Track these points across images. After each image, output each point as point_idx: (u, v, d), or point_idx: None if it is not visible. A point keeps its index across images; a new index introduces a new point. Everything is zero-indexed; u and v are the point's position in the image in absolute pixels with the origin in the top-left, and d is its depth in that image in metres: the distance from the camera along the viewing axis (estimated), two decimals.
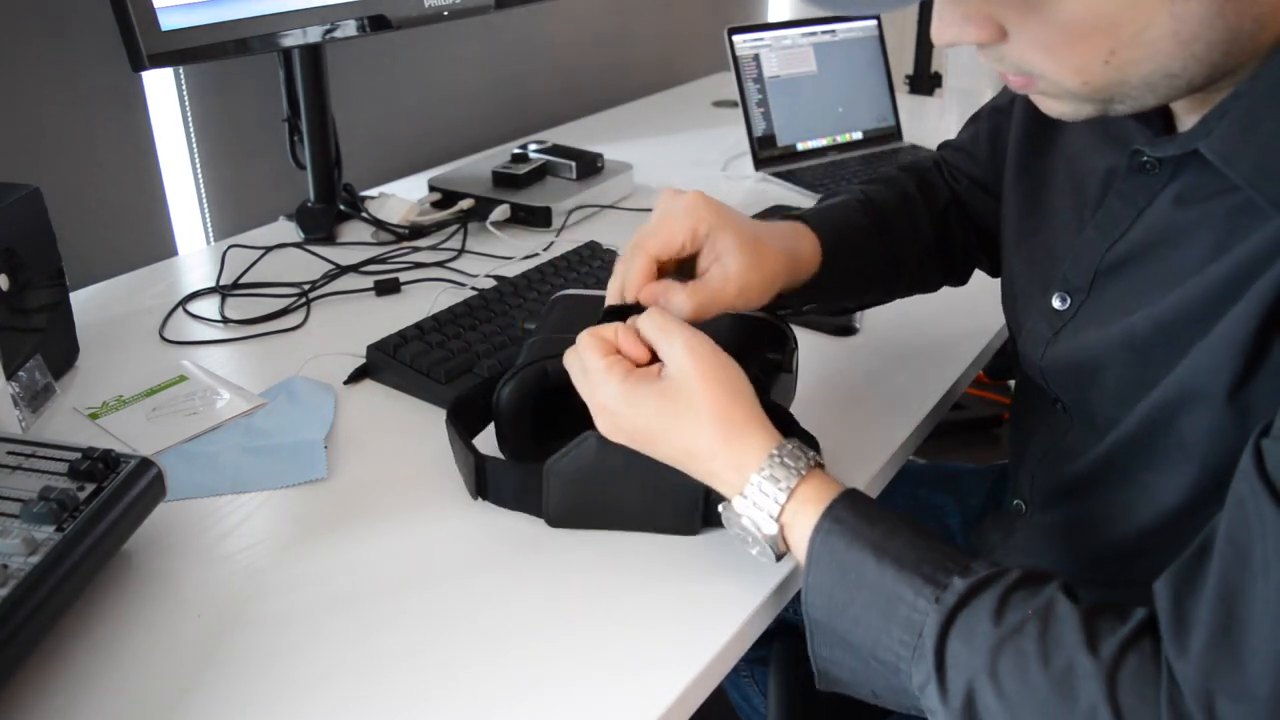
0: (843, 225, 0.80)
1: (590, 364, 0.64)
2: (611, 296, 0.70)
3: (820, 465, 0.62)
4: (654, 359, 0.65)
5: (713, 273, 0.69)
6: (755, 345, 0.73)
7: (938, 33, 0.56)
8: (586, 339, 0.65)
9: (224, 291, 1.07)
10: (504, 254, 1.17)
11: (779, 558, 0.62)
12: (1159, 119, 0.63)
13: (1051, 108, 0.59)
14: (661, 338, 0.64)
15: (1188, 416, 0.59)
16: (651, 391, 0.62)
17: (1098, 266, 0.66)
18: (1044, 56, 0.54)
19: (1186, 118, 0.61)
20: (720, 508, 0.63)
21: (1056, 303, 0.69)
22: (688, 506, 0.69)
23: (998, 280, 0.84)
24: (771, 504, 0.60)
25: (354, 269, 1.12)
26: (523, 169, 1.30)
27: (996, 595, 0.53)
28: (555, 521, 0.70)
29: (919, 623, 0.54)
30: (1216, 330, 0.56)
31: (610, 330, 0.65)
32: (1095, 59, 0.52)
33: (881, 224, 0.82)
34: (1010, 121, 0.80)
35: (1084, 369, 0.67)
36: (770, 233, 0.73)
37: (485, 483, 0.72)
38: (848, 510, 0.58)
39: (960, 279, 0.92)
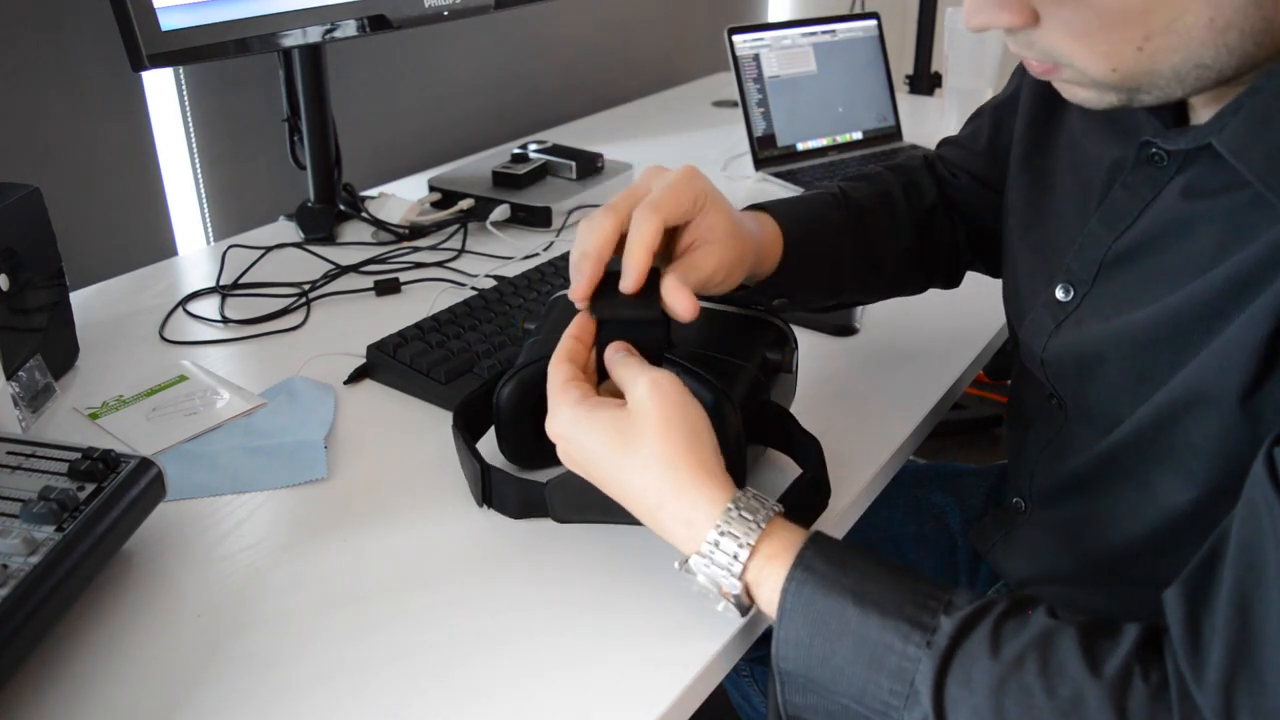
0: (808, 218, 0.78)
1: (552, 380, 0.63)
2: (610, 252, 0.63)
3: (780, 513, 0.59)
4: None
5: (702, 253, 0.66)
6: (755, 345, 0.73)
7: (970, 16, 0.56)
8: (557, 363, 0.63)
9: (224, 291, 1.07)
10: (504, 254, 1.17)
11: (745, 613, 0.59)
12: (1170, 110, 0.62)
13: (1075, 94, 0.58)
14: (626, 373, 0.61)
15: (1196, 418, 0.58)
16: (603, 420, 0.60)
17: (1102, 259, 0.65)
18: (1075, 43, 0.53)
19: (1202, 110, 0.60)
20: (677, 564, 0.60)
21: (1060, 294, 0.69)
22: None
23: (997, 280, 0.84)
24: (732, 561, 0.57)
25: (354, 269, 1.12)
26: (523, 169, 1.30)
27: (988, 630, 0.51)
28: (563, 520, 0.71)
29: (910, 670, 0.52)
30: (1228, 333, 0.55)
31: (578, 350, 0.64)
32: (1128, 46, 0.52)
33: (855, 220, 0.81)
34: (1013, 117, 0.80)
35: (1085, 362, 0.66)
36: (742, 217, 0.71)
37: (490, 492, 0.72)
38: (818, 558, 0.56)
39: (948, 280, 0.91)
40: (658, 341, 0.65)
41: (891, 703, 0.53)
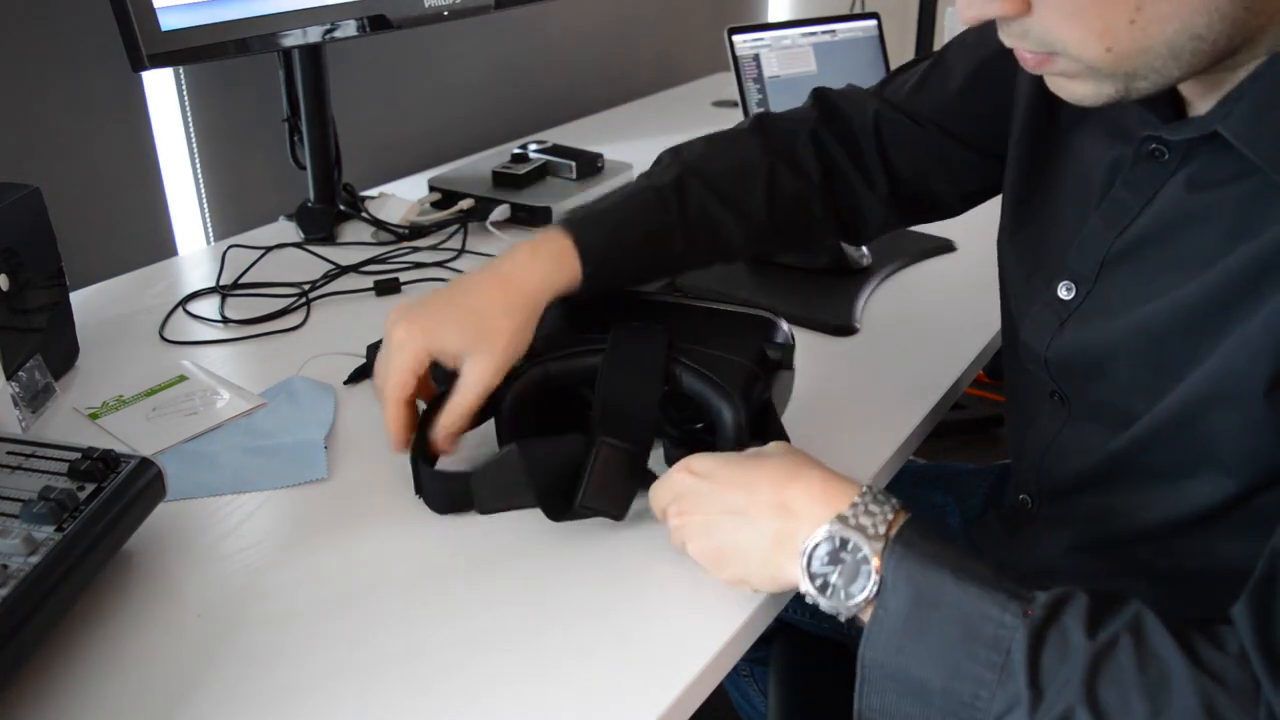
0: (619, 227, 0.76)
1: (674, 483, 0.66)
2: (395, 445, 0.73)
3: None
4: None
5: (458, 382, 0.71)
6: (754, 342, 0.72)
7: (963, 9, 0.56)
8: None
9: (224, 291, 1.07)
10: None
11: (871, 592, 0.55)
12: (1168, 107, 0.62)
13: (1072, 91, 0.58)
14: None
15: (1218, 413, 0.58)
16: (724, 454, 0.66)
17: (1105, 255, 0.65)
18: (1068, 23, 0.53)
19: (1199, 103, 0.60)
20: (807, 544, 0.57)
21: (1063, 293, 0.68)
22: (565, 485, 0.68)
23: (998, 279, 0.84)
24: (882, 517, 0.56)
25: (354, 269, 1.12)
26: (523, 169, 1.30)
27: (1083, 608, 0.51)
28: (487, 510, 0.71)
29: (1006, 639, 0.51)
30: (1252, 324, 0.55)
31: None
32: (1120, 20, 0.52)
33: (690, 219, 0.79)
34: (998, 74, 0.78)
35: (1092, 358, 0.66)
36: (520, 327, 0.71)
37: (420, 484, 0.73)
38: (916, 534, 0.56)
39: (851, 238, 0.91)
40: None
41: (985, 677, 0.51)
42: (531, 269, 0.73)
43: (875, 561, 0.55)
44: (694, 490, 0.63)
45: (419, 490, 0.73)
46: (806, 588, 0.57)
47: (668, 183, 0.79)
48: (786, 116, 0.88)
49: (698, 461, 0.64)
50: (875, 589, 0.55)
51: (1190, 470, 0.62)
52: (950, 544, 0.56)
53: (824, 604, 0.57)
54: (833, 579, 0.56)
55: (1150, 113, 0.62)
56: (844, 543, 0.56)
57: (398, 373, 0.71)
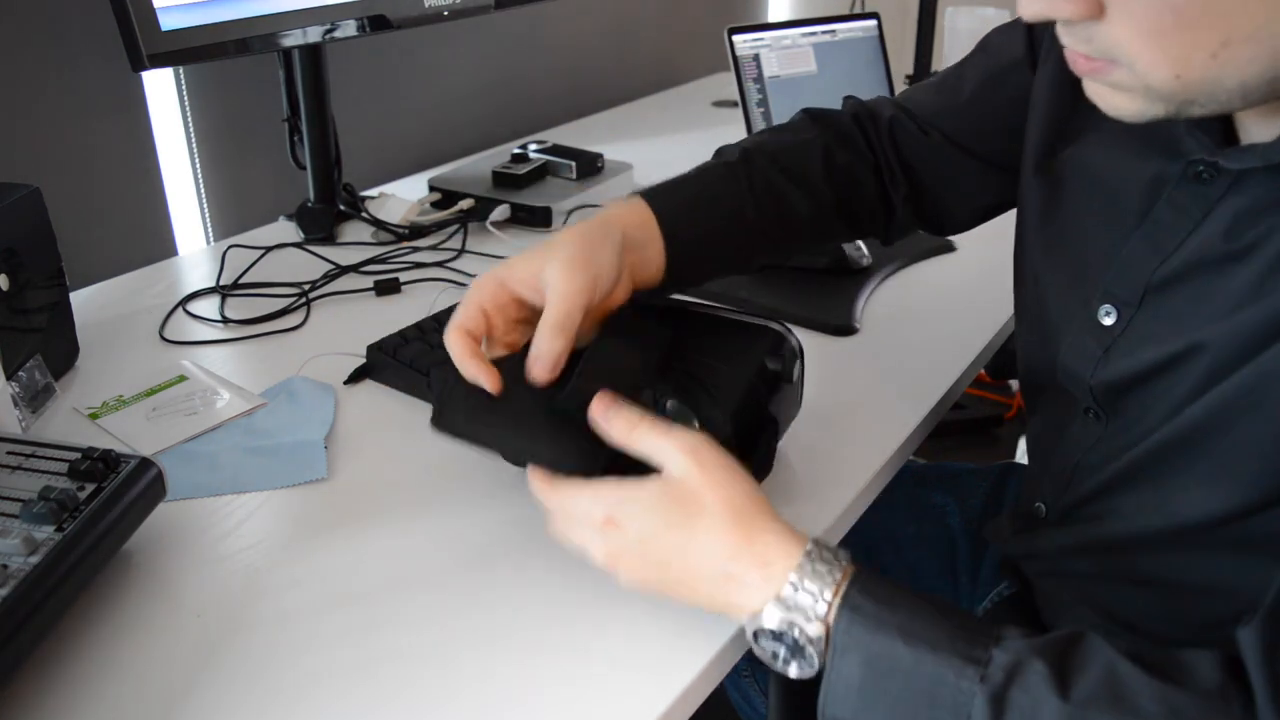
0: (694, 200, 0.75)
1: (576, 502, 0.61)
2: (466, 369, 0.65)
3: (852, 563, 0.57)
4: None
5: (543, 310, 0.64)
6: (752, 353, 0.71)
7: (1024, 4, 0.52)
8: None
9: (224, 291, 1.07)
10: (504, 254, 1.17)
11: (816, 667, 0.56)
12: (1219, 128, 0.59)
13: (1116, 104, 0.54)
14: (650, 445, 0.60)
15: (1248, 422, 0.56)
16: (654, 492, 0.59)
17: (1149, 280, 0.62)
18: (1143, 42, 0.49)
19: (1252, 125, 0.57)
20: (747, 625, 0.58)
21: (1104, 318, 0.65)
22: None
23: (997, 279, 0.83)
24: (815, 601, 0.55)
25: (354, 269, 1.12)
26: (523, 169, 1.30)
27: (1047, 665, 0.50)
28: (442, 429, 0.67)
29: (966, 705, 0.51)
30: None
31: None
32: (1201, 51, 0.48)
33: (758, 186, 0.77)
34: (1014, 80, 0.77)
35: (1144, 385, 0.63)
36: (595, 239, 0.67)
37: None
38: (863, 596, 0.55)
39: (882, 236, 0.87)
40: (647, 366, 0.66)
41: None
42: (606, 214, 0.71)
43: (820, 643, 0.55)
44: (619, 547, 0.60)
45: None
46: (762, 657, 0.58)
47: (734, 159, 0.78)
48: (833, 110, 0.87)
49: (625, 513, 0.59)
50: (817, 666, 0.56)
51: (1202, 478, 0.60)
52: (899, 596, 0.54)
53: (783, 670, 0.57)
54: (781, 654, 0.57)
55: (1199, 132, 0.59)
56: (789, 625, 0.55)
57: (465, 304, 0.66)
